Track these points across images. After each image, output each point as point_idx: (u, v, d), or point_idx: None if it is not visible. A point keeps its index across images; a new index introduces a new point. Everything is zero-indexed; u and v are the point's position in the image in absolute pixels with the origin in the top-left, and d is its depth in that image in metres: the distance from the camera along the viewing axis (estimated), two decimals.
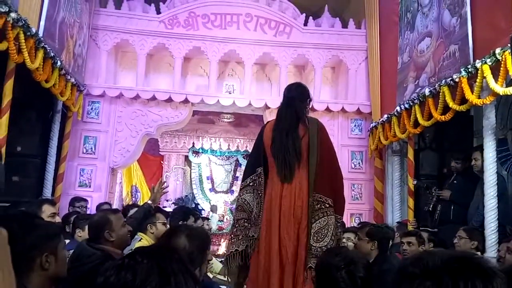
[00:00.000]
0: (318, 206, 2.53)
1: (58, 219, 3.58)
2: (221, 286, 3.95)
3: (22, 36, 4.16)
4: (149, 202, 3.39)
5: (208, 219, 5.86)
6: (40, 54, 4.64)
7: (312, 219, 2.51)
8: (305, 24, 7.22)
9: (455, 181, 4.87)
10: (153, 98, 6.88)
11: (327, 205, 2.54)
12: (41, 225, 1.55)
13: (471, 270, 0.83)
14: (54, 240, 1.58)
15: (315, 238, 2.48)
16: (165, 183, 3.74)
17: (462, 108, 4.17)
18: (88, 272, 2.01)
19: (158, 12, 7.05)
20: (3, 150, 4.16)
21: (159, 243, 1.70)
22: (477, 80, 3.86)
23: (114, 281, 0.84)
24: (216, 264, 4.64)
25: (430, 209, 4.97)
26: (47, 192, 5.61)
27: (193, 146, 10.87)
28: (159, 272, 0.84)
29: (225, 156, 11.37)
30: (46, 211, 3.32)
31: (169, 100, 6.92)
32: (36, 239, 1.46)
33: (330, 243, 2.47)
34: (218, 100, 7.02)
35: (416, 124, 5.15)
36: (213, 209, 10.70)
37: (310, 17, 7.29)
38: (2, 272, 0.42)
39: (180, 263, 0.89)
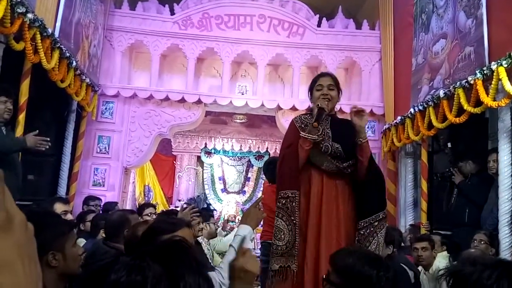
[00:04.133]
0: None
1: (69, 216, 3.63)
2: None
3: (38, 36, 4.23)
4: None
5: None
6: (56, 55, 4.71)
7: None
8: (319, 25, 7.21)
9: (469, 182, 4.81)
10: (167, 98, 6.93)
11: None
12: (47, 225, 1.56)
13: (503, 268, 0.92)
14: (60, 238, 1.59)
15: None
16: (195, 209, 3.69)
17: (477, 110, 4.12)
18: (100, 269, 2.03)
19: (172, 13, 7.09)
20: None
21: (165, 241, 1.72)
22: (493, 82, 3.81)
23: (125, 281, 0.87)
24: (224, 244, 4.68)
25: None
26: (62, 191, 5.69)
27: (206, 146, 10.91)
28: (169, 276, 0.87)
29: (237, 156, 11.39)
30: (58, 209, 3.39)
31: (182, 100, 6.96)
32: (41, 239, 1.48)
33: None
34: (230, 101, 7.05)
35: (430, 126, 5.10)
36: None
37: (324, 18, 7.27)
38: (29, 265, 0.43)
39: (190, 264, 0.91)
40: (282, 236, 2.42)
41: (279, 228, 2.43)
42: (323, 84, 2.62)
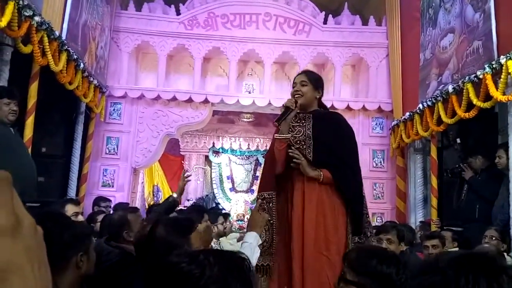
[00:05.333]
0: None
1: (81, 218, 3.64)
2: None
3: (46, 39, 4.26)
4: (175, 195, 3.33)
5: (228, 214, 5.79)
6: (64, 57, 4.74)
7: None
8: (325, 22, 7.18)
9: (479, 178, 4.77)
10: (174, 98, 6.94)
11: None
12: (76, 225, 1.59)
13: (476, 266, 0.84)
14: (87, 240, 1.63)
15: None
16: (187, 172, 3.65)
17: (487, 105, 4.09)
18: (110, 269, 2.03)
19: (178, 13, 7.10)
20: (29, 151, 4.26)
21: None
22: (502, 76, 3.78)
23: (184, 268, 0.92)
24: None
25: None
26: (72, 192, 5.73)
27: (213, 146, 10.92)
28: (222, 283, 0.91)
29: (245, 155, 11.38)
30: (69, 210, 3.38)
31: (189, 100, 6.97)
32: (73, 238, 1.50)
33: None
34: (237, 100, 7.04)
35: (439, 121, 5.07)
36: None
37: (330, 15, 7.24)
38: (39, 269, 0.42)
39: (243, 277, 0.96)
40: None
41: None
42: (297, 82, 2.68)
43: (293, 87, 2.68)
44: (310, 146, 2.54)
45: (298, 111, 2.63)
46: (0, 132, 3.24)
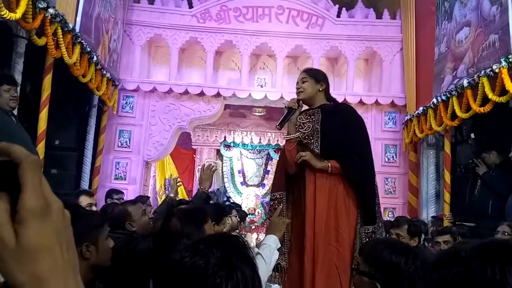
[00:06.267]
0: None
1: (94, 209, 3.68)
2: None
3: (59, 31, 4.29)
4: (172, 195, 3.48)
5: (245, 214, 5.77)
6: (77, 49, 4.76)
7: None
8: (338, 15, 7.12)
9: (493, 173, 4.72)
10: (186, 92, 6.96)
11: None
12: (82, 215, 1.58)
13: (501, 255, 0.81)
14: (95, 230, 1.60)
15: None
16: (178, 178, 3.84)
17: (502, 99, 4.03)
18: (120, 250, 2.02)
19: (191, 6, 7.10)
20: (43, 143, 4.31)
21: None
22: None
23: (188, 263, 0.93)
24: None
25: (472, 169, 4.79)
26: (85, 185, 5.78)
27: (225, 140, 10.93)
28: (228, 266, 0.92)
29: (257, 150, 11.38)
30: (83, 201, 3.42)
31: (201, 94, 6.98)
32: (76, 230, 1.49)
33: None
34: (250, 94, 7.03)
35: (453, 116, 5.00)
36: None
37: (343, 8, 7.17)
38: (68, 251, 0.44)
39: (248, 259, 0.97)
40: None
41: None
42: (298, 81, 2.74)
43: (296, 87, 2.75)
44: (318, 139, 2.58)
45: (306, 107, 2.70)
46: (1, 121, 3.23)
